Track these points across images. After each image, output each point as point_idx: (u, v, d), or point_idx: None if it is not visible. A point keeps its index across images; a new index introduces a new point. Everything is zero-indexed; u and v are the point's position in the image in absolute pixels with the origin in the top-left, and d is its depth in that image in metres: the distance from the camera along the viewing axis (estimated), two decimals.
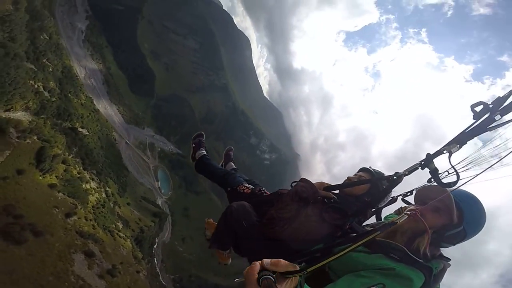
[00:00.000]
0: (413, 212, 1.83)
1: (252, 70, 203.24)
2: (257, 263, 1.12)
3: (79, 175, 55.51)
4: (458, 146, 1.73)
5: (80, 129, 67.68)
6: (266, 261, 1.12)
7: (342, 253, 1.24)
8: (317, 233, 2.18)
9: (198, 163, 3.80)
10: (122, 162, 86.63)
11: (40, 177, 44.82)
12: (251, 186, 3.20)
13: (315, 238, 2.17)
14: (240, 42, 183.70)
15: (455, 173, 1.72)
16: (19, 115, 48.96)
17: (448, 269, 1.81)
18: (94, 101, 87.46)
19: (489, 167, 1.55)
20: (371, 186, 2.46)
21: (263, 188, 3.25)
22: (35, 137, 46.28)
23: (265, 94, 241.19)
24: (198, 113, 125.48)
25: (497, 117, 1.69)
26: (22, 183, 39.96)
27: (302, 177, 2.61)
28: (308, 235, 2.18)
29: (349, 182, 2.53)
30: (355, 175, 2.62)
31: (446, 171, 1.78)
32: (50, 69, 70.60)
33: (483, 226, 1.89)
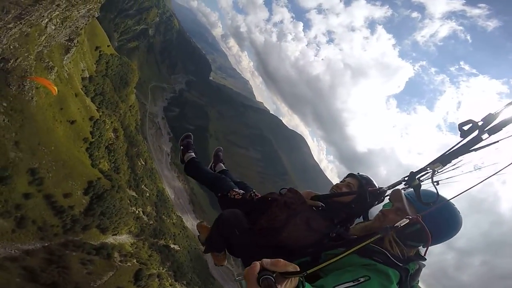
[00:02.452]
0: (379, 213, 2.09)
1: (315, 166, 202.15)
2: (257, 263, 1.10)
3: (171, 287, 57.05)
4: (441, 165, 1.80)
5: (172, 245, 73.17)
6: (266, 261, 1.10)
7: (340, 256, 1.30)
8: (306, 240, 2.24)
9: (188, 166, 3.69)
10: (208, 271, 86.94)
11: None
12: (242, 191, 3.10)
13: (304, 244, 2.22)
14: (296, 141, 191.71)
15: (435, 190, 1.82)
16: (124, 237, 54.18)
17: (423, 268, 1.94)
18: (183, 219, 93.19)
19: (470, 188, 1.61)
20: (357, 195, 2.52)
21: (254, 191, 3.19)
22: (135, 260, 50.64)
23: None
24: None
25: (485, 136, 1.70)
26: None
27: (290, 187, 2.67)
28: (298, 242, 2.25)
29: (335, 193, 2.57)
30: (343, 181, 2.67)
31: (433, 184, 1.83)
32: (148, 195, 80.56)
33: (452, 229, 1.92)
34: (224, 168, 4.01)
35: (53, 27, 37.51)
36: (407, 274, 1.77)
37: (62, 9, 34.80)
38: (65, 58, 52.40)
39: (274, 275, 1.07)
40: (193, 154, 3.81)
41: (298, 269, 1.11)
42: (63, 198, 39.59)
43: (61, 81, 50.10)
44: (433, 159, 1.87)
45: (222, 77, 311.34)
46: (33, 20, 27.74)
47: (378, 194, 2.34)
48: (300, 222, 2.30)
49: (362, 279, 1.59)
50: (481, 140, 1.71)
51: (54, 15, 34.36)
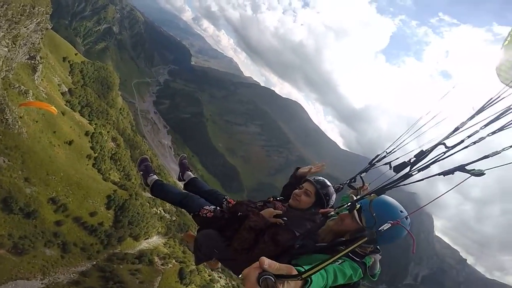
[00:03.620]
0: (338, 217, 2.30)
1: (317, 130, 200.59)
2: (258, 264, 1.10)
3: (209, 277, 57.73)
4: (376, 195, 2.06)
5: None
6: (265, 261, 1.09)
7: (333, 259, 1.37)
8: (275, 253, 2.39)
9: (153, 189, 3.61)
10: None
11: None
12: (213, 207, 3.13)
13: (275, 256, 2.34)
14: (292, 108, 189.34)
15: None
16: (155, 239, 54.94)
17: (379, 259, 2.23)
18: None
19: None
20: (316, 199, 2.77)
21: (226, 199, 3.29)
22: (174, 261, 51.33)
23: (342, 147, 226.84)
24: None
25: (415, 172, 1.99)
26: None
27: (251, 210, 2.80)
28: (269, 255, 2.19)
29: (291, 209, 2.83)
30: (300, 188, 2.86)
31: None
32: None
33: (392, 236, 2.09)
34: (193, 176, 3.91)
35: (6, 49, 33.52)
36: (365, 267, 2.05)
37: (6, 29, 30.29)
38: (36, 78, 47.55)
39: (274, 275, 1.06)
40: (155, 176, 3.73)
41: (293, 273, 1.12)
42: (90, 217, 40.38)
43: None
44: (371, 190, 2.24)
45: (204, 60, 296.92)
46: None
47: (324, 217, 2.52)
48: (268, 239, 2.46)
49: (340, 261, 1.88)
50: (411, 176, 2.01)
51: (0, 36, 29.82)
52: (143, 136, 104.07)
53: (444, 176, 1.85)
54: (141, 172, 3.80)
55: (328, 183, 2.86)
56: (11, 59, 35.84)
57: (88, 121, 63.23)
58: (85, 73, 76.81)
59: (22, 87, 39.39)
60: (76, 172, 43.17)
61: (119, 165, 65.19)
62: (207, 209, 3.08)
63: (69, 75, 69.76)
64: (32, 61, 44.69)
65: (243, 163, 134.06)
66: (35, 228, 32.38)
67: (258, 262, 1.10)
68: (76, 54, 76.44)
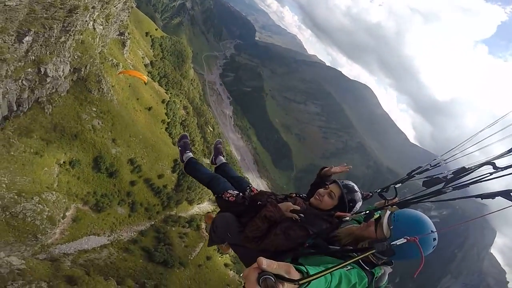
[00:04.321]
0: (364, 223, 2.25)
1: (385, 117, 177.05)
2: (258, 264, 1.09)
3: None
4: (397, 208, 2.01)
5: None
6: (263, 261, 1.08)
7: (341, 265, 1.36)
8: (284, 247, 2.41)
9: (187, 166, 3.80)
10: None
11: (220, 258, 49.61)
12: (236, 193, 3.20)
13: (283, 250, 2.40)
14: (360, 92, 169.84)
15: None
16: (205, 205, 58.81)
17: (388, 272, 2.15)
18: (250, 180, 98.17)
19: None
20: (338, 202, 2.66)
21: (250, 187, 3.39)
22: None
23: (412, 140, 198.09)
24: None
25: (448, 190, 1.85)
26: (209, 266, 45.71)
27: (270, 201, 2.76)
28: (277, 248, 2.44)
29: (310, 208, 2.76)
30: (326, 188, 2.77)
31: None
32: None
33: (416, 250, 1.90)
34: (224, 161, 3.97)
35: (101, 27, 38.26)
36: (373, 277, 1.96)
37: (99, 9, 34.38)
38: (124, 52, 54.80)
39: (274, 275, 1.06)
40: (190, 154, 3.89)
41: (292, 273, 1.11)
42: (157, 179, 44.90)
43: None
44: (393, 202, 2.23)
45: (267, 35, 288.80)
46: (79, 27, 27.85)
47: (340, 221, 2.44)
48: (280, 232, 2.45)
49: (349, 267, 1.80)
50: (444, 193, 1.85)
51: (95, 16, 34.34)
52: (208, 105, 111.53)
53: (482, 199, 1.71)
54: (179, 148, 3.99)
55: (356, 189, 2.71)
56: (105, 35, 41.89)
57: (165, 90, 71.02)
58: (163, 47, 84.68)
59: (114, 60, 46.38)
60: (152, 135, 49.71)
61: (187, 130, 71.93)
62: (230, 193, 3.16)
63: (150, 49, 78.26)
64: (122, 37, 51.52)
65: (297, 142, 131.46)
66: (114, 186, 36.12)
67: (256, 262, 1.08)
68: (156, 30, 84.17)
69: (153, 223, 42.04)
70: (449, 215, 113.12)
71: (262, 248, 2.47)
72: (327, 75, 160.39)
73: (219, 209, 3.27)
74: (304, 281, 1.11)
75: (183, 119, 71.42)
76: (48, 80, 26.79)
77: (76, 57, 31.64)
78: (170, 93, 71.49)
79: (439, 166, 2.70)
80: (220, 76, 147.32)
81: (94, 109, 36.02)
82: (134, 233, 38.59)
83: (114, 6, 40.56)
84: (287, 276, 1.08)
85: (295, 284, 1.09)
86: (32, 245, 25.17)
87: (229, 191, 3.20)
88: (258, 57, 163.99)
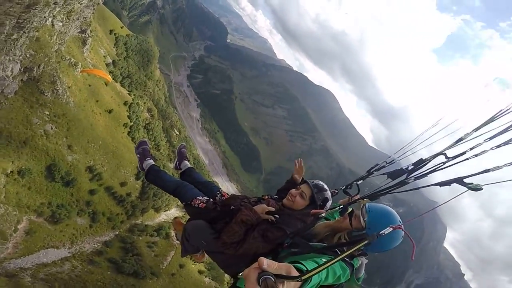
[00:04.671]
0: (341, 217, 2.36)
1: (346, 122, 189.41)
2: (258, 264, 1.08)
3: None
4: (369, 200, 2.15)
5: None
6: (264, 261, 1.07)
7: (334, 261, 1.36)
8: (264, 250, 2.41)
9: (148, 174, 3.56)
10: None
11: (193, 265, 48.57)
12: (206, 199, 3.08)
13: (262, 253, 2.39)
14: (323, 97, 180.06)
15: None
16: (173, 212, 56.71)
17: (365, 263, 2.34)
18: (218, 184, 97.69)
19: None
20: (310, 202, 2.73)
21: (220, 192, 3.28)
22: None
23: (370, 143, 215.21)
24: None
25: (411, 180, 1.96)
26: (183, 274, 44.72)
27: (243, 204, 2.75)
28: (257, 252, 2.42)
29: (283, 208, 2.79)
30: (297, 189, 2.83)
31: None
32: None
33: (390, 240, 2.05)
34: (189, 165, 3.85)
35: (61, 24, 35.41)
36: (353, 268, 2.06)
37: (62, 5, 31.91)
38: (85, 50, 51.00)
39: (274, 275, 1.05)
40: (151, 161, 3.68)
41: (293, 273, 1.10)
42: (120, 187, 42.46)
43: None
44: (364, 195, 2.29)
45: (239, 38, 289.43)
46: (36, 24, 25.70)
47: (315, 218, 2.46)
48: (257, 235, 2.45)
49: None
50: (407, 183, 1.99)
51: (55, 12, 31.82)
52: (174, 107, 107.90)
53: (440, 186, 1.82)
54: (138, 155, 3.72)
55: (326, 188, 2.81)
56: (64, 33, 38.66)
57: (127, 92, 67.30)
58: (128, 46, 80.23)
59: (72, 59, 42.86)
60: (113, 140, 46.91)
61: (151, 134, 69.16)
62: (200, 200, 3.04)
63: (114, 47, 73.62)
64: (83, 35, 47.83)
65: (265, 145, 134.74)
66: (71, 196, 33.57)
67: (257, 262, 1.07)
68: (122, 27, 79.55)
69: (117, 233, 39.97)
70: (405, 212, 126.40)
71: (241, 252, 2.44)
72: (294, 80, 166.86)
73: (188, 217, 3.14)
74: (307, 275, 1.12)
75: (147, 122, 68.21)
76: None
77: (28, 55, 28.85)
78: (134, 95, 67.94)
79: (394, 163, 2.91)
80: (188, 78, 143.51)
81: (47, 112, 33.06)
82: (98, 244, 36.39)
83: (79, 2, 37.56)
84: (289, 275, 1.09)
85: (297, 280, 1.10)
86: None
87: (198, 197, 3.08)
88: (229, 60, 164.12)
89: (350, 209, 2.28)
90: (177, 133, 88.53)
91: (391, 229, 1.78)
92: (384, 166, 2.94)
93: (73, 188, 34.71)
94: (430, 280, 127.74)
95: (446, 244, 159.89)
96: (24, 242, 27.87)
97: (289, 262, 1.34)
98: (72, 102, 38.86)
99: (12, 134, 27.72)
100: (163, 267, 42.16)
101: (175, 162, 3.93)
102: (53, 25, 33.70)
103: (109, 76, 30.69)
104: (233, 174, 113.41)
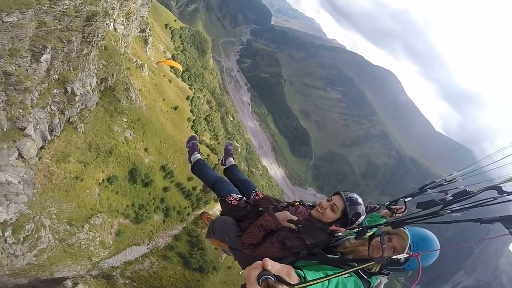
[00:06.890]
0: (373, 242, 2.09)
1: (410, 104, 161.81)
2: (258, 263, 1.07)
3: None
4: (391, 228, 1.97)
5: None
6: (268, 263, 1.06)
7: (340, 273, 1.34)
8: (279, 256, 2.33)
9: (194, 167, 3.72)
10: None
11: None
12: (239, 197, 3.11)
13: (278, 258, 2.26)
14: (383, 78, 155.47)
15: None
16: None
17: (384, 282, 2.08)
18: (267, 169, 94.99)
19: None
20: (341, 216, 2.47)
21: (255, 192, 3.22)
22: None
23: (438, 129, 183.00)
24: (357, 168, 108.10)
25: (446, 212, 1.74)
26: (237, 267, 42.07)
27: (268, 209, 2.65)
28: (272, 256, 2.26)
29: (308, 220, 2.57)
30: (328, 200, 2.61)
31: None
32: (239, 150, 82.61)
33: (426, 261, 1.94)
34: (233, 163, 3.81)
35: (122, 27, 33.71)
36: (369, 286, 1.93)
37: (119, 8, 29.59)
38: (147, 49, 50.01)
39: (274, 276, 1.03)
40: (198, 155, 3.80)
41: (292, 276, 1.08)
42: (187, 182, 42.76)
43: (154, 74, 49.08)
44: (388, 221, 2.15)
45: (284, 19, 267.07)
46: (101, 35, 23.52)
47: (336, 238, 2.26)
48: (275, 240, 2.39)
49: (347, 275, 1.74)
50: (440, 215, 1.74)
51: (115, 16, 29.67)
52: (227, 92, 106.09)
53: (480, 224, 1.58)
54: (188, 149, 3.85)
55: (360, 201, 2.46)
56: (127, 35, 37.42)
57: (188, 86, 66.57)
58: (183, 38, 78.65)
59: (139, 61, 42.10)
60: (180, 137, 46.65)
61: (211, 125, 68.78)
62: (234, 197, 3.08)
63: (171, 41, 72.61)
64: (143, 34, 46.60)
65: (316, 129, 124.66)
66: (149, 195, 34.42)
67: (257, 262, 1.05)
68: (175, 20, 77.76)
69: (184, 225, 40.94)
70: (453, 234, 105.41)
71: (257, 254, 2.36)
72: (348, 60, 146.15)
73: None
74: (299, 286, 1.06)
75: (207, 114, 67.50)
76: (77, 99, 23.44)
77: (101, 66, 27.77)
78: (194, 88, 66.96)
79: (454, 181, 2.40)
80: (237, 62, 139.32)
81: (125, 119, 32.78)
82: (169, 238, 37.62)
83: (134, 3, 35.42)
84: (287, 279, 1.05)
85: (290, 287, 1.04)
86: (86, 264, 25.68)
87: (232, 194, 3.12)
88: (275, 42, 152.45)
89: (370, 233, 2.02)
90: (231, 119, 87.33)
91: (407, 255, 1.71)
92: (442, 184, 2.50)
93: (151, 187, 35.56)
94: (480, 284, 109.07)
95: None
96: (114, 243, 29.44)
97: (294, 266, 1.33)
98: (144, 106, 38.37)
99: (99, 146, 27.92)
100: (222, 261, 41.97)
101: (221, 158, 3.93)
102: (115, 29, 32.06)
103: (180, 65, 30.62)
104: (282, 158, 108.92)
